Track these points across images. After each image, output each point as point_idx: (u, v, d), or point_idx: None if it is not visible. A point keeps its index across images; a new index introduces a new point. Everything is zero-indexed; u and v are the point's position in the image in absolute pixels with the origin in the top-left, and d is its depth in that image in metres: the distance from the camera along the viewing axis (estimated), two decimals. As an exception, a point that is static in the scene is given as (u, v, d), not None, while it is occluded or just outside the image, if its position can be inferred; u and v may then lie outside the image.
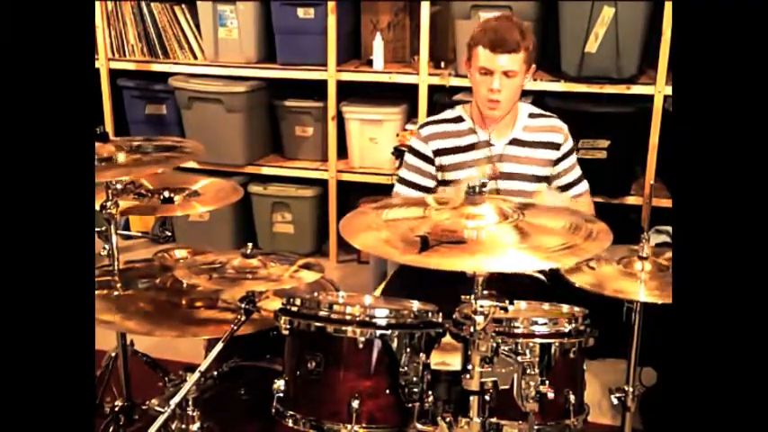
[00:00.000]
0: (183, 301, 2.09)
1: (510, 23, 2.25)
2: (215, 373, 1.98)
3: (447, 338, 1.78)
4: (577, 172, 2.46)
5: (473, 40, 2.26)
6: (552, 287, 2.22)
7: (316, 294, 1.90)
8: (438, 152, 2.39)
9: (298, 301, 1.78)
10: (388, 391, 1.70)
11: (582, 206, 2.42)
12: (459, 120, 2.40)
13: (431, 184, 2.42)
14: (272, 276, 1.94)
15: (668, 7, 3.23)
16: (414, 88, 3.64)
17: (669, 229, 3.09)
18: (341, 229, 1.70)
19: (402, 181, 2.46)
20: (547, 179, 2.40)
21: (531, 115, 2.40)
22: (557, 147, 2.39)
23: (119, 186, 2.17)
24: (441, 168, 2.40)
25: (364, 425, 1.69)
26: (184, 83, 3.92)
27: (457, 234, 1.60)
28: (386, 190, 3.37)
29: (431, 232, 1.61)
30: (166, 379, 2.01)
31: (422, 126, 2.46)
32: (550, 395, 1.64)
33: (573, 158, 2.44)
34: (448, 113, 2.43)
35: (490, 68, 2.22)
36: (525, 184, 2.34)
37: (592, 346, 1.82)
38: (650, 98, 3.35)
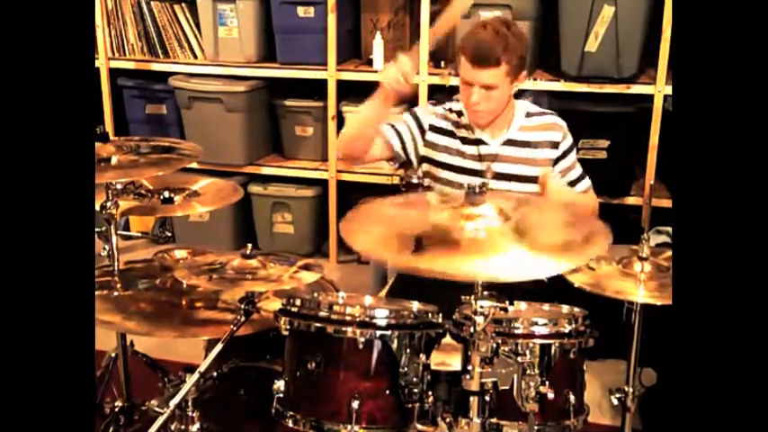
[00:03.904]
0: (183, 302, 2.09)
1: (496, 36, 2.17)
2: (215, 373, 1.98)
3: (447, 339, 1.78)
4: (578, 170, 2.44)
5: (459, 47, 2.25)
6: (552, 287, 2.22)
7: (315, 295, 1.90)
8: (433, 128, 2.39)
9: (297, 302, 1.77)
10: (387, 392, 1.70)
11: (588, 199, 2.44)
12: (460, 113, 2.40)
13: (407, 141, 2.38)
14: (271, 277, 1.94)
15: (668, 7, 3.23)
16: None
17: (669, 229, 3.08)
18: (341, 227, 1.70)
19: (389, 123, 2.42)
20: None
21: (529, 114, 2.38)
22: (555, 145, 2.36)
23: (119, 186, 2.17)
24: (429, 145, 2.39)
25: (364, 425, 1.68)
26: (184, 82, 3.93)
27: (451, 235, 1.59)
28: (386, 190, 3.38)
29: (426, 233, 1.61)
30: (166, 379, 2.01)
31: (435, 103, 2.47)
32: (550, 395, 1.64)
33: (573, 156, 2.41)
34: (455, 104, 2.41)
35: (470, 81, 2.21)
36: (520, 185, 2.33)
37: (592, 346, 1.82)
38: (650, 98, 3.34)
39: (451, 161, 2.36)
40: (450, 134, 2.38)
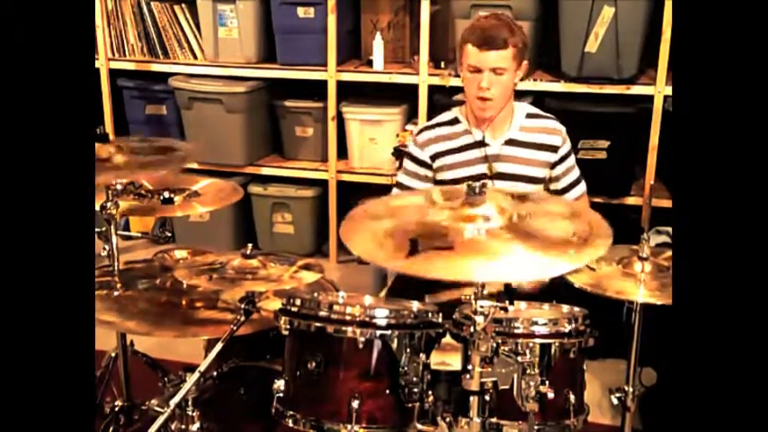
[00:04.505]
0: (183, 302, 2.09)
1: (499, 21, 2.26)
2: (215, 373, 1.98)
3: (447, 339, 1.78)
4: (575, 174, 2.46)
5: (462, 39, 2.28)
6: (552, 287, 2.22)
7: (316, 295, 1.90)
8: (435, 156, 2.41)
9: (298, 302, 1.78)
10: (388, 392, 1.70)
11: None
12: (454, 122, 2.41)
13: (428, 187, 2.45)
14: (271, 277, 1.94)
15: (668, 7, 3.23)
16: (414, 88, 3.64)
17: (669, 229, 3.08)
18: (341, 229, 1.70)
19: (400, 185, 2.49)
20: (542, 180, 2.40)
21: (529, 115, 2.40)
22: (554, 149, 2.38)
23: (119, 187, 2.17)
24: (437, 169, 2.41)
25: (364, 425, 1.68)
26: (184, 83, 3.92)
27: (447, 239, 1.59)
28: (386, 190, 3.38)
29: (422, 235, 1.61)
30: (166, 379, 2.01)
31: (419, 132, 2.49)
32: (550, 395, 1.64)
33: (571, 160, 2.43)
34: (444, 116, 2.44)
35: (478, 66, 2.23)
36: (521, 185, 2.34)
37: (592, 346, 1.82)
38: (650, 98, 3.34)
39: (455, 175, 2.37)
40: (451, 152, 2.39)
